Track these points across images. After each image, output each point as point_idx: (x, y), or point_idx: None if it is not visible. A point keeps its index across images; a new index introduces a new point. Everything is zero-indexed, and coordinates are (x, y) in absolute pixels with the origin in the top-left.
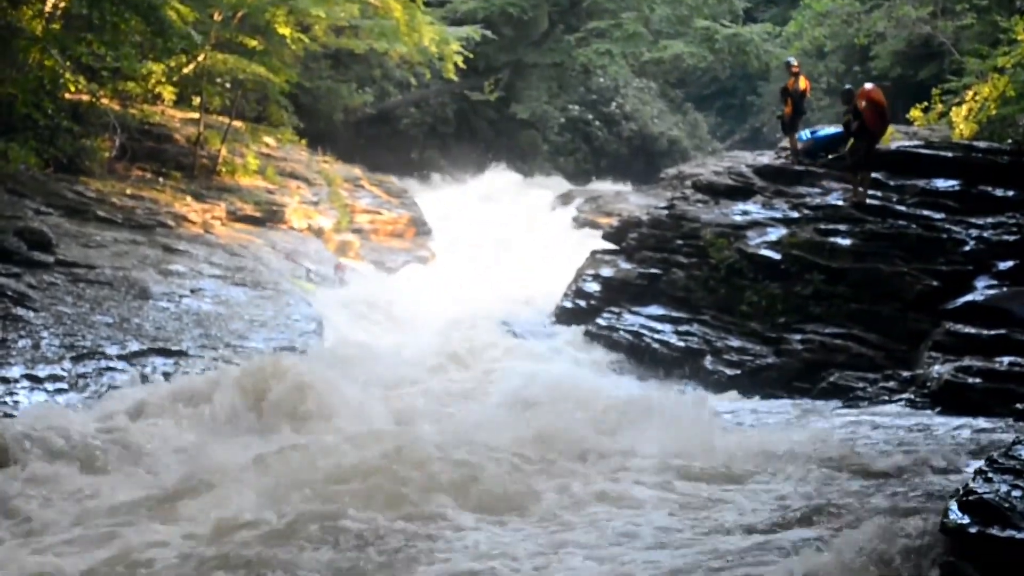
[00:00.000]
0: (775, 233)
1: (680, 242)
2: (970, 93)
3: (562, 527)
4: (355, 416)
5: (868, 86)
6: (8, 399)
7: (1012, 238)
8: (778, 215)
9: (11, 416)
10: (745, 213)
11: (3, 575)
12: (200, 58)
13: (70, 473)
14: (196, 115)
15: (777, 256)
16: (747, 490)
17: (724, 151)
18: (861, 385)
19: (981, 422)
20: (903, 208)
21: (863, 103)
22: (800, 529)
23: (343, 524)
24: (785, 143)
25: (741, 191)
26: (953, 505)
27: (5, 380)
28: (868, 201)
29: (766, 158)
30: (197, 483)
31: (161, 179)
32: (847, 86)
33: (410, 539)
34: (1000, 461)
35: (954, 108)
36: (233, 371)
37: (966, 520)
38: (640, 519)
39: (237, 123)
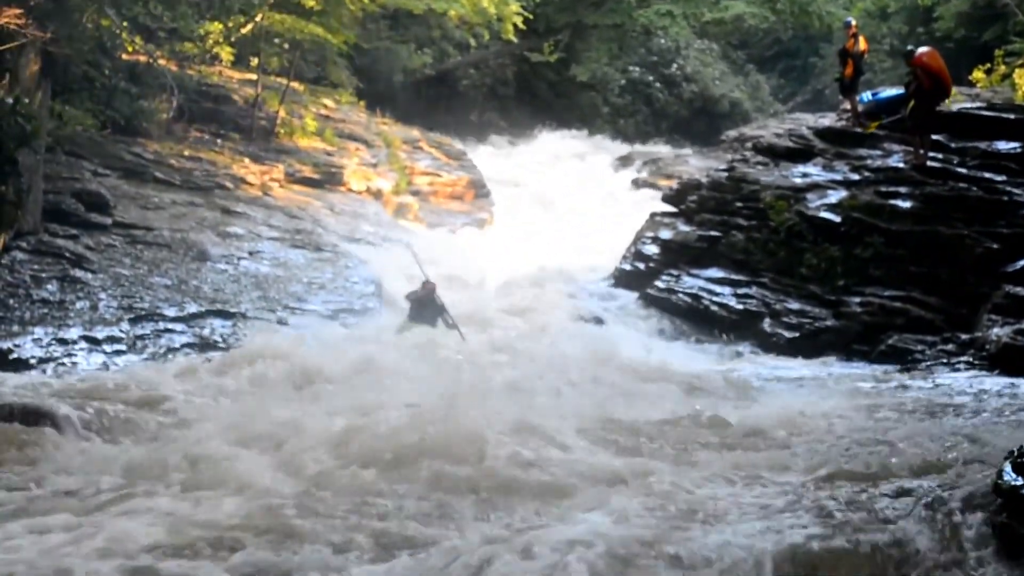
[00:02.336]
0: (835, 195)
1: (740, 204)
2: None
3: None
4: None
5: (923, 50)
6: (66, 360)
7: None
8: (838, 177)
9: None
10: (805, 175)
11: None
12: (258, 18)
13: None
14: (254, 76)
15: (837, 218)
16: (798, 452)
17: (786, 113)
18: (920, 348)
19: None
20: (964, 170)
21: (917, 68)
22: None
23: None
24: (846, 105)
25: (801, 153)
26: (1007, 466)
27: (64, 341)
28: (929, 163)
29: (827, 120)
30: None
31: (219, 140)
32: (910, 47)
33: None
34: None
35: (1017, 70)
36: None
37: (1019, 481)
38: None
39: (295, 84)
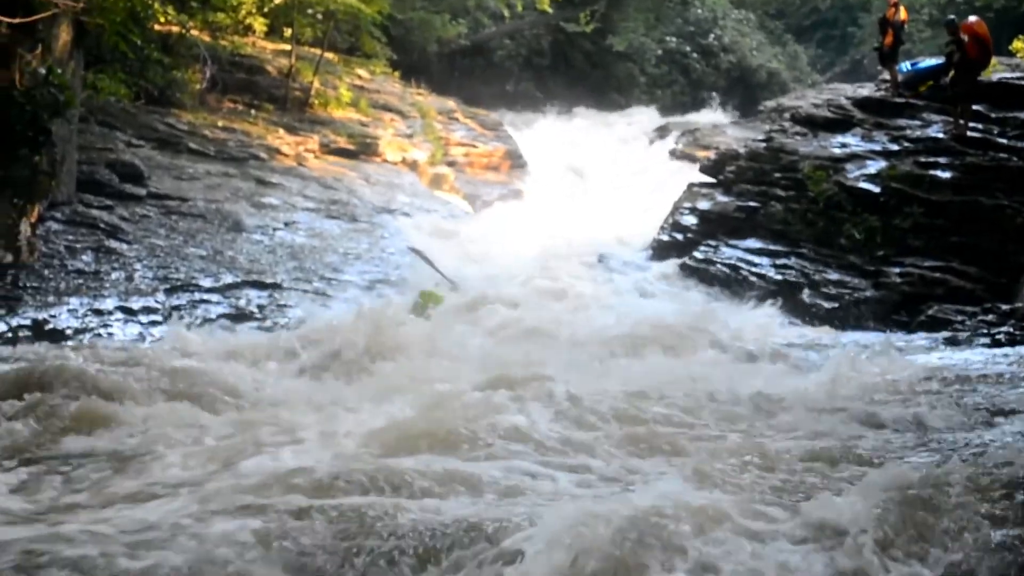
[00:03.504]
0: (874, 166)
1: (778, 175)
2: None
3: None
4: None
5: (972, 19)
6: (102, 331)
7: None
8: (878, 148)
9: None
10: (844, 146)
11: None
12: None
13: None
14: (288, 47)
15: (876, 189)
16: (851, 425)
17: (824, 83)
18: (960, 318)
19: None
20: (1004, 140)
21: (966, 36)
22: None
23: None
24: (885, 75)
25: (840, 123)
26: None
27: (99, 312)
28: (969, 133)
29: (866, 90)
30: None
31: (253, 111)
32: (950, 17)
33: None
34: None
35: None
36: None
37: None
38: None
39: (329, 55)
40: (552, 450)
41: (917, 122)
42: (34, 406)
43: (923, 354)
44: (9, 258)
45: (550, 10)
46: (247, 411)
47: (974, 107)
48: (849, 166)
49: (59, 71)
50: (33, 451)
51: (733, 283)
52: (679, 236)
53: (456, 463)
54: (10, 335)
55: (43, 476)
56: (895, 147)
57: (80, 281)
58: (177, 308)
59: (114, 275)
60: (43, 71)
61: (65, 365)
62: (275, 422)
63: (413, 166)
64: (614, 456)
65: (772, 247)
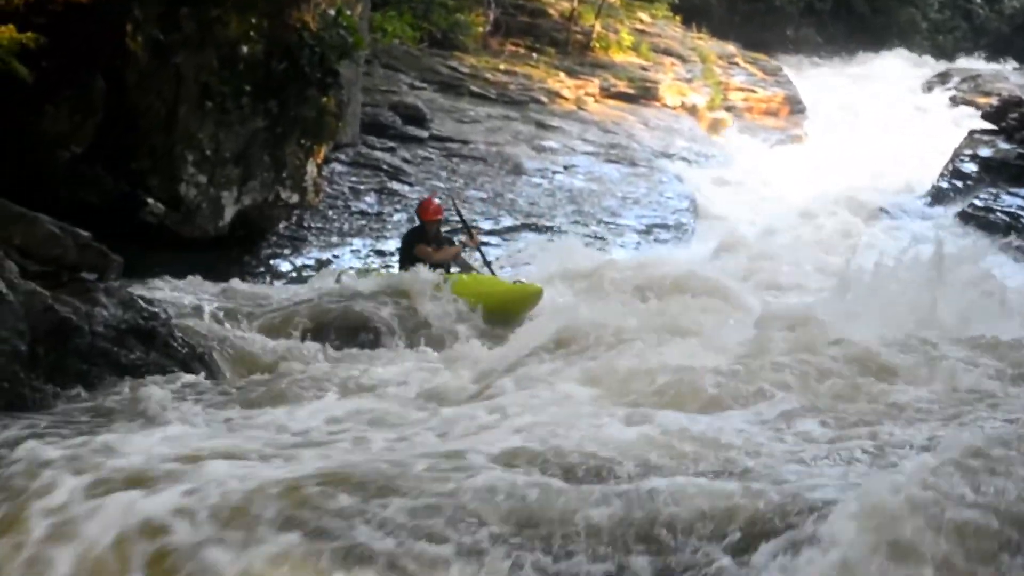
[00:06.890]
0: None
1: None
2: None
3: None
4: None
5: None
6: (384, 272)
7: None
8: None
9: None
10: None
11: None
12: None
13: None
14: None
15: None
16: None
17: None
18: None
19: None
20: None
21: None
22: None
23: None
24: None
25: None
26: None
27: (381, 253)
28: None
29: None
30: None
31: (534, 54)
32: None
33: None
34: None
35: None
36: None
37: None
38: None
39: None
40: None
41: None
42: None
43: None
44: (295, 198)
45: None
46: None
47: None
48: None
49: (348, 13)
50: None
51: (1013, 232)
52: (959, 183)
53: None
54: (295, 275)
55: None
56: None
57: (363, 222)
58: None
59: (395, 216)
60: (332, 13)
61: None
62: None
63: (692, 111)
64: None
65: None
